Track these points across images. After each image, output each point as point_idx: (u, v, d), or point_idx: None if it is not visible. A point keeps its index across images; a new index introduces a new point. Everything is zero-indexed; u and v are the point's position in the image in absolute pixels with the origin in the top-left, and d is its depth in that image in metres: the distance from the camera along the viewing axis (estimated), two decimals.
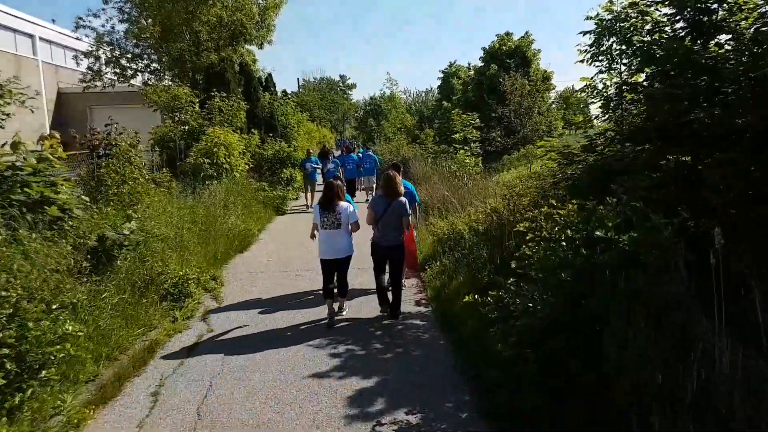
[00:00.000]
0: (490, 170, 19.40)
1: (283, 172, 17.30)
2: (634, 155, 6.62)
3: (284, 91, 21.80)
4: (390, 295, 5.99)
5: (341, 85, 75.12)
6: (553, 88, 23.40)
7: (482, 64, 27.76)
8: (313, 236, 6.05)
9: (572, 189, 6.75)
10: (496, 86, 25.60)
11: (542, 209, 4.27)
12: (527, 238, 4.27)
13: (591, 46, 6.75)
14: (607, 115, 7.40)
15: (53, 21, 27.48)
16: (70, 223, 5.01)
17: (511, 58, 26.94)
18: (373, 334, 5.37)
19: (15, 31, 24.90)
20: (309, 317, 5.91)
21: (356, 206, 6.56)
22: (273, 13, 20.28)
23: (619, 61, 6.85)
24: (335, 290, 5.85)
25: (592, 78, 7.15)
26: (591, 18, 6.60)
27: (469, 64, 40.08)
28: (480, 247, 7.41)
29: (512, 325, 3.77)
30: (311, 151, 15.98)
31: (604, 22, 6.44)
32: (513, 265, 6.66)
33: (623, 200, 4.08)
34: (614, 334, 3.42)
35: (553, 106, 23.51)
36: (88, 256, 5.01)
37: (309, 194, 14.82)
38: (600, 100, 7.41)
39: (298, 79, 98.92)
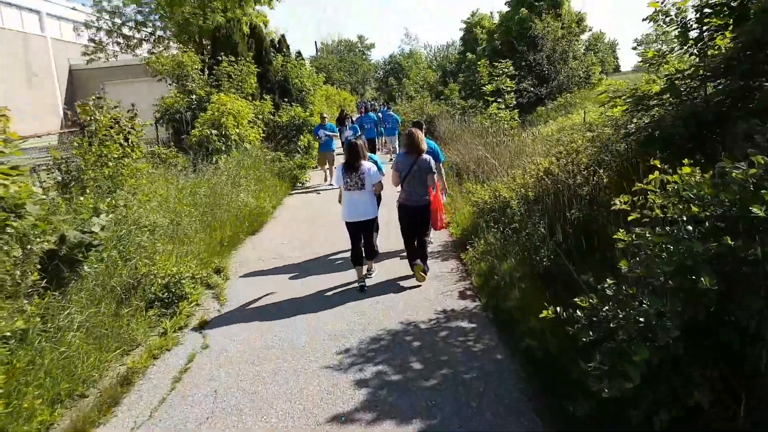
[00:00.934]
0: (524, 123, 17.76)
1: (300, 139, 16.05)
2: (729, 94, 5.14)
3: (298, 53, 20.25)
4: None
5: (360, 45, 72.61)
6: (590, 30, 21.01)
7: (509, 9, 25.47)
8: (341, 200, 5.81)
9: (652, 142, 5.32)
10: (527, 31, 23.44)
11: (651, 176, 2.92)
12: (629, 218, 2.95)
13: None
14: (684, 48, 5.85)
15: None
16: (14, 224, 3.90)
17: (540, 0, 24.61)
18: (410, 345, 4.17)
19: (20, 7, 23.89)
20: (328, 322, 4.75)
21: (383, 164, 6.27)
22: None
23: None
24: (363, 256, 5.71)
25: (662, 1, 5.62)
26: None
27: (491, 13, 37.50)
28: (534, 219, 6.08)
29: (619, 352, 2.51)
30: (326, 116, 14.17)
31: None
32: (575, 241, 5.41)
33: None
34: None
35: (584, 50, 21.19)
36: (39, 267, 3.92)
37: (327, 168, 12.87)
38: (675, 28, 5.85)
39: (315, 42, 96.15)
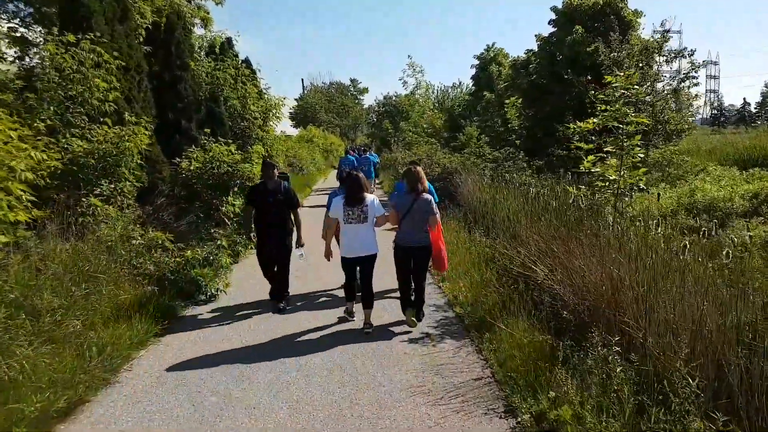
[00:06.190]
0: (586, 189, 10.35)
1: (224, 203, 8.63)
2: None
3: (245, 60, 13.09)
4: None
5: (352, 89, 67.00)
6: (690, 54, 14.03)
7: (553, 30, 18.92)
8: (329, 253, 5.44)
9: None
10: (582, 57, 16.78)
11: None
12: None
13: None
14: None
15: None
16: None
17: (596, 20, 18.09)
18: None
19: None
20: None
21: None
22: None
23: None
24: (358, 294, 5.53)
25: None
26: None
27: (504, 51, 31.42)
28: None
29: None
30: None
31: None
32: None
33: None
34: None
35: (686, 85, 14.28)
36: None
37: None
38: None
39: (302, 80, 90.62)
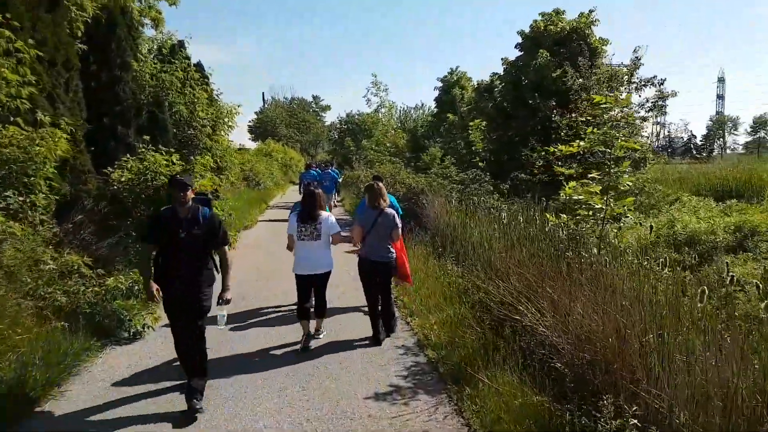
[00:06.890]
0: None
1: None
2: None
3: (197, 64, 12.06)
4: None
5: (314, 106, 66.39)
6: (660, 83, 13.79)
7: (520, 54, 18.72)
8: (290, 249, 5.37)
9: None
10: (548, 82, 16.60)
11: None
12: None
13: None
14: None
15: None
16: None
17: (562, 45, 18.02)
18: None
19: None
20: None
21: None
22: None
23: None
24: (311, 309, 5.40)
25: None
26: None
27: (467, 75, 31.53)
28: None
29: None
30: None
31: None
32: None
33: None
34: None
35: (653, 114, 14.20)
36: None
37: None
38: None
39: (263, 93, 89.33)
